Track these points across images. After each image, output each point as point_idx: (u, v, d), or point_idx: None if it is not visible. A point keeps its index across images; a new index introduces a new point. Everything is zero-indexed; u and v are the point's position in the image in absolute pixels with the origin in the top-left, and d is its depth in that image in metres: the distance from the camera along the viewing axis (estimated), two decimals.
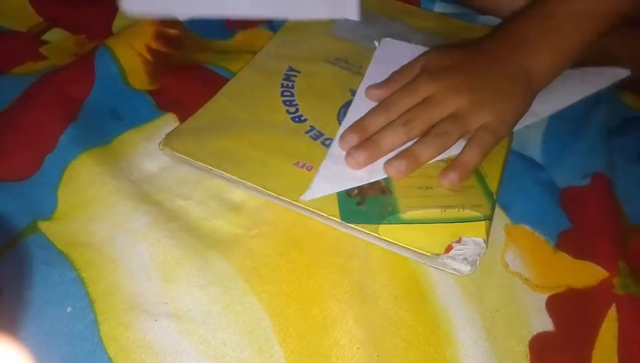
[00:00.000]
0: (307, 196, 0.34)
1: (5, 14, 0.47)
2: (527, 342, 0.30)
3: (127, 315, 0.29)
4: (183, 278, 0.30)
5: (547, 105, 0.42)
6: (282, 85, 0.42)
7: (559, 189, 0.38)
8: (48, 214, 0.33)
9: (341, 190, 0.34)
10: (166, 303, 0.29)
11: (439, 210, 0.34)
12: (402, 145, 0.37)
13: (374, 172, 0.36)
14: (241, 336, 0.29)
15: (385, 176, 0.36)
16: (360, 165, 0.36)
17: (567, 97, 0.43)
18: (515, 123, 0.39)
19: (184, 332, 0.28)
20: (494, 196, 0.35)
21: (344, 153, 0.37)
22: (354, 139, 0.37)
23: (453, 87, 0.38)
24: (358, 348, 0.29)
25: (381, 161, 0.36)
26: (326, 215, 0.33)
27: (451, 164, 0.36)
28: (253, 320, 0.29)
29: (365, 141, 0.37)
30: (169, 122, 0.39)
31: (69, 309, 0.28)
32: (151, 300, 0.29)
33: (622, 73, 0.44)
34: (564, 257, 0.34)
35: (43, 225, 0.32)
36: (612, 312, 0.31)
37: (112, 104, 0.40)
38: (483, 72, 0.39)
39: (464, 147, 0.36)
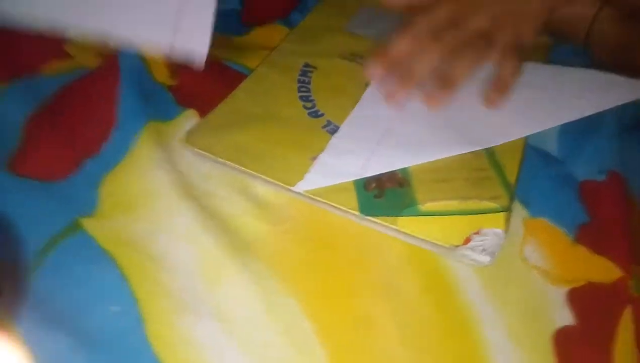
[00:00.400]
0: (300, 187, 0.34)
1: None
2: (551, 338, 0.30)
3: (171, 314, 0.29)
4: (223, 278, 0.31)
5: (570, 110, 0.41)
6: (299, 81, 0.42)
7: (577, 182, 0.38)
8: (89, 212, 0.33)
9: (333, 183, 0.34)
10: (209, 303, 0.30)
11: (458, 201, 0.34)
12: (433, 66, 0.36)
13: (368, 168, 0.36)
14: (283, 337, 0.29)
15: (381, 171, 0.35)
16: (398, 97, 0.36)
17: (590, 104, 0.41)
18: (538, 27, 0.38)
19: (227, 332, 0.29)
20: (513, 187, 0.35)
21: (345, 147, 0.37)
22: (377, 68, 0.36)
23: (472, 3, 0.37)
24: (394, 349, 0.29)
25: (376, 156, 0.36)
26: (344, 209, 0.33)
27: (491, 84, 0.35)
28: (293, 320, 0.29)
29: (395, 70, 0.36)
30: (190, 119, 0.40)
31: (115, 308, 0.29)
32: (194, 299, 0.30)
33: None
34: (583, 250, 0.34)
35: (86, 222, 0.32)
36: (627, 313, 0.31)
37: (139, 94, 0.41)
38: None
39: (498, 64, 0.36)
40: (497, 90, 0.34)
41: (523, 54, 0.36)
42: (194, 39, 0.41)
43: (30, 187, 0.34)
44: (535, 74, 0.41)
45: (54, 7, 0.41)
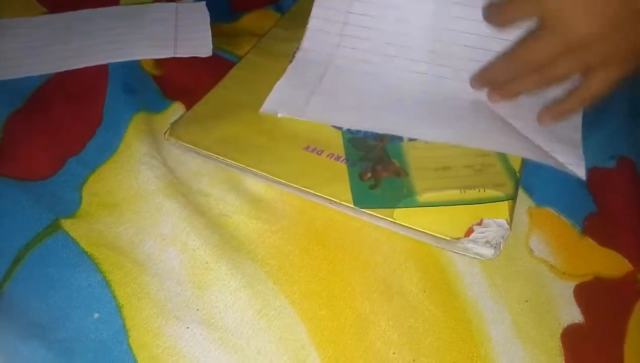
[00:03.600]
0: (266, 106, 0.36)
1: (7, 4, 0.46)
2: (559, 336, 0.28)
3: (156, 321, 0.27)
4: (213, 283, 0.29)
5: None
6: None
7: (585, 169, 0.36)
8: (70, 213, 0.32)
9: (282, 115, 0.34)
10: (197, 309, 0.28)
11: (458, 191, 0.32)
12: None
13: (306, 111, 0.36)
14: (276, 343, 0.27)
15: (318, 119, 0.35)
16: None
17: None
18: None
19: (217, 340, 0.27)
20: (517, 174, 0.33)
21: (320, 46, 0.37)
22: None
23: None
24: (394, 353, 0.27)
25: (364, 111, 0.36)
26: (338, 201, 0.32)
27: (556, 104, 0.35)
28: (286, 325, 0.28)
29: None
30: (177, 112, 0.38)
31: (96, 315, 0.27)
32: (181, 305, 0.28)
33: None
34: (590, 243, 0.32)
35: (66, 223, 0.31)
36: (637, 309, 0.29)
37: (127, 85, 0.39)
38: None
39: (575, 90, 0.35)
40: (556, 113, 0.35)
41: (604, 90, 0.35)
42: (195, 43, 0.43)
43: (9, 187, 0.32)
44: None
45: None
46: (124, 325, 0.27)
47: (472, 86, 0.38)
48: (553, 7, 0.32)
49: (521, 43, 0.35)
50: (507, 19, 0.35)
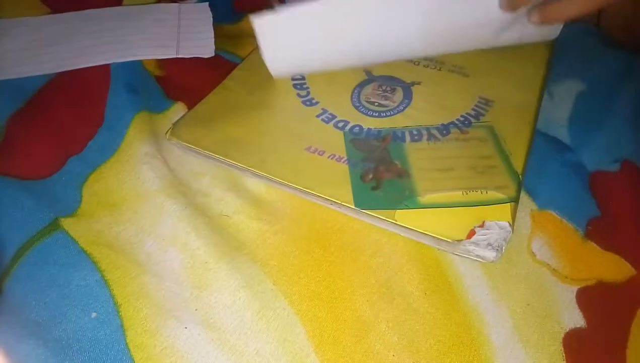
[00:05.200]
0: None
1: (11, 4, 0.46)
2: (560, 340, 0.28)
3: (154, 321, 0.27)
4: (212, 283, 0.29)
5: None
6: None
7: (588, 173, 0.36)
8: (70, 212, 0.32)
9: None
10: (196, 309, 0.28)
11: (460, 192, 0.31)
12: None
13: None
14: (275, 345, 0.27)
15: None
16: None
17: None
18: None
19: (215, 341, 0.27)
20: (520, 176, 0.33)
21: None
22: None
23: None
24: (393, 355, 0.27)
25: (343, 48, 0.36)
26: (339, 202, 0.31)
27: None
28: (286, 326, 0.28)
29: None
30: (178, 113, 0.38)
31: (93, 314, 0.27)
32: (180, 306, 0.28)
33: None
34: (593, 247, 0.32)
35: (65, 222, 0.31)
36: None
37: (130, 84, 0.39)
38: None
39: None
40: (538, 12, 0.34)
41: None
42: (197, 44, 0.43)
43: (9, 186, 0.32)
44: None
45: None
46: (122, 325, 0.27)
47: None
48: None
49: None
50: None
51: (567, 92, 0.41)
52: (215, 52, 0.43)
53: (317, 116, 0.37)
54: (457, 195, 0.31)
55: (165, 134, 0.35)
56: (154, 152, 0.35)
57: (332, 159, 0.34)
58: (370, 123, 0.36)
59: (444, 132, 0.35)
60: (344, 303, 0.29)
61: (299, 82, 0.39)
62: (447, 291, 0.29)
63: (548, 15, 0.34)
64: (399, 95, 0.38)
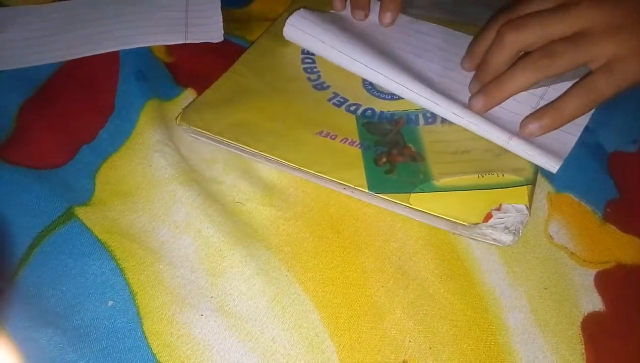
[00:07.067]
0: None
1: None
2: (579, 324, 0.28)
3: (170, 308, 0.27)
4: (227, 270, 0.29)
5: None
6: (303, 52, 0.40)
7: (607, 154, 0.35)
8: (84, 201, 0.32)
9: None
10: (211, 297, 0.28)
11: (476, 175, 0.31)
12: (531, 87, 0.33)
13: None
14: (290, 331, 0.27)
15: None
16: (480, 111, 0.34)
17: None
18: None
19: (231, 327, 0.27)
20: None
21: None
22: (475, 86, 0.35)
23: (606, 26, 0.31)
24: (410, 341, 0.27)
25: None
26: (352, 186, 0.31)
27: (541, 108, 0.32)
28: (301, 312, 0.28)
29: (487, 85, 0.34)
30: (188, 100, 0.38)
31: (110, 303, 0.27)
32: (195, 293, 0.28)
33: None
34: (612, 229, 0.31)
35: (80, 211, 0.31)
36: None
37: (140, 72, 0.39)
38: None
39: (567, 91, 0.32)
40: (540, 120, 0.33)
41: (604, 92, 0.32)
42: (206, 29, 0.43)
43: (22, 176, 0.32)
44: None
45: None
46: (138, 313, 0.27)
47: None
48: None
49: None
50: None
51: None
52: (224, 36, 0.42)
53: (329, 100, 0.36)
54: (472, 178, 0.31)
55: (176, 119, 0.35)
56: (165, 139, 0.35)
57: (344, 143, 0.33)
58: (383, 106, 0.36)
59: None
60: (359, 289, 0.29)
61: (310, 66, 0.39)
62: (463, 276, 0.29)
63: (491, 95, 0.33)
64: None
